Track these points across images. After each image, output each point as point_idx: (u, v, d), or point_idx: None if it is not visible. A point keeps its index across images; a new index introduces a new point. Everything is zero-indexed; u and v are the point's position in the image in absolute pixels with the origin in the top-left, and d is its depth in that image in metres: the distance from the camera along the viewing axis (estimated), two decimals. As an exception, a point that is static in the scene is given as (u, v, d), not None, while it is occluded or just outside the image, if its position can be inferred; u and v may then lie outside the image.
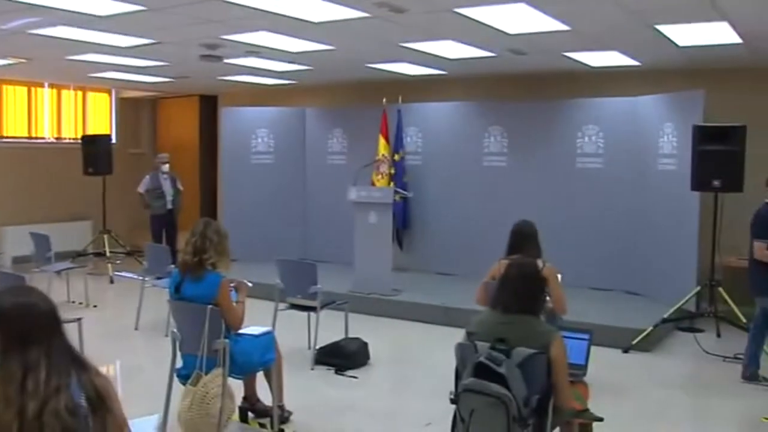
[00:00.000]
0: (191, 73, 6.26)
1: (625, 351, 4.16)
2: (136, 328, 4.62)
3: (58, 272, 5.18)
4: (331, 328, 4.05)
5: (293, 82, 6.89)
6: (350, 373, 3.76)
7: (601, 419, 2.38)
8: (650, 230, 5.26)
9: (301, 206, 7.12)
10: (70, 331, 1.15)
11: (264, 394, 3.04)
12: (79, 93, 7.78)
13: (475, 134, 6.20)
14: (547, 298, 2.51)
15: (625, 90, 5.58)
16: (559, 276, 3.16)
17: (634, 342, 4.17)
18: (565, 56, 4.91)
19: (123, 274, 5.20)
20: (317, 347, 3.91)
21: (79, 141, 6.94)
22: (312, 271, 4.00)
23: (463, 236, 6.23)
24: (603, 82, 5.69)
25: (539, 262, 2.78)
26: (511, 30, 4.03)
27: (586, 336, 3.10)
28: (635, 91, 5.50)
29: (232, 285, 2.83)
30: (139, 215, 7.02)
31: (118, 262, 6.63)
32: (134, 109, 8.48)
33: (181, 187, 6.68)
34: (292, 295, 4.06)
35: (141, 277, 4.83)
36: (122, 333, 4.56)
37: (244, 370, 2.82)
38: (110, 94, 8.13)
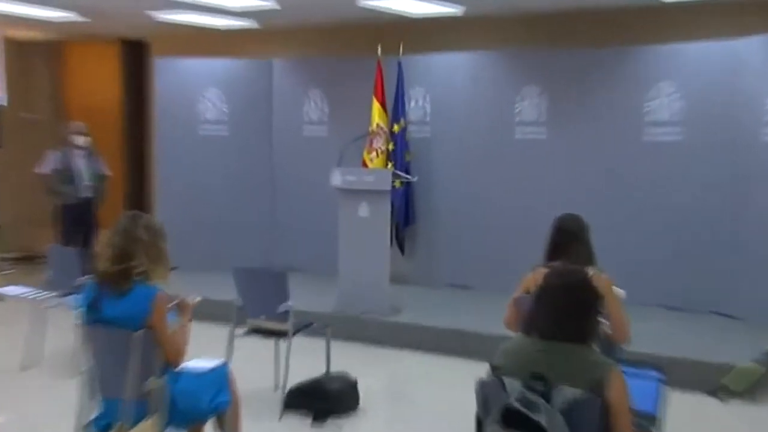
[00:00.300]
0: (109, 6, 6.12)
1: (715, 396, 4.12)
2: (30, 366, 4.54)
3: None
4: (307, 361, 4.09)
5: (255, 24, 6.83)
6: (333, 421, 3.77)
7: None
8: (751, 227, 5.21)
9: (266, 194, 7.13)
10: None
11: (215, 450, 3.04)
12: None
13: (502, 96, 6.21)
14: (602, 320, 2.53)
15: (718, 30, 5.42)
16: (620, 291, 3.16)
17: (728, 383, 4.10)
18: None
19: (10, 289, 4.95)
20: (288, 387, 3.92)
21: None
22: (281, 282, 4.02)
23: (485, 235, 6.27)
24: (685, 19, 5.56)
25: (590, 271, 2.74)
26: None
27: (656, 374, 3.07)
28: (734, 31, 5.34)
29: (171, 303, 2.82)
30: (41, 206, 6.94)
31: (6, 272, 6.57)
32: (28, 57, 8.18)
33: (107, 172, 6.65)
34: (254, 316, 4.09)
35: (40, 293, 4.72)
36: (10, 372, 4.48)
37: (187, 418, 2.81)
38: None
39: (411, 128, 6.45)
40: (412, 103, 6.52)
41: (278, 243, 7.06)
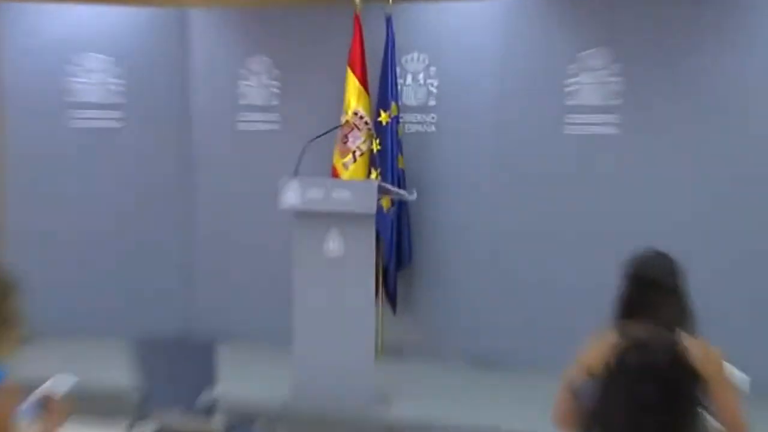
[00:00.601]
0: None
1: None
2: None
3: None
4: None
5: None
6: None
7: None
8: None
9: (181, 222, 7.10)
10: None
11: None
12: None
13: (549, 66, 6.20)
14: (708, 415, 2.54)
15: None
16: (737, 373, 3.16)
17: None
18: None
19: None
20: None
21: None
22: (206, 358, 4.03)
23: (520, 283, 6.24)
24: None
25: (686, 340, 2.70)
26: None
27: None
28: None
29: (27, 396, 2.76)
30: None
31: None
32: None
33: None
34: (163, 410, 4.08)
35: None
36: None
37: None
38: None
39: (407, 117, 6.45)
40: (409, 79, 6.53)
41: (200, 297, 7.00)
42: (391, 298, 6.40)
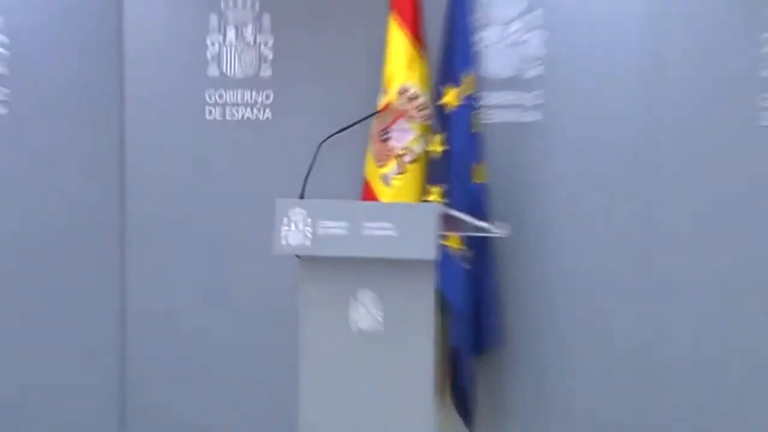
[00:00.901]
0: None
1: None
2: None
3: None
4: None
5: None
6: None
7: None
8: None
9: (106, 277, 7.19)
10: None
11: None
12: None
13: (733, 13, 6.18)
14: None
15: None
16: None
17: None
18: None
19: None
20: None
21: None
22: None
23: (681, 381, 6.23)
24: None
25: None
26: None
27: None
28: None
29: None
30: None
31: None
32: None
33: None
34: None
35: None
36: None
37: None
38: None
39: (491, 98, 6.44)
40: (494, 34, 6.50)
41: (137, 392, 7.05)
42: (463, 400, 6.30)
